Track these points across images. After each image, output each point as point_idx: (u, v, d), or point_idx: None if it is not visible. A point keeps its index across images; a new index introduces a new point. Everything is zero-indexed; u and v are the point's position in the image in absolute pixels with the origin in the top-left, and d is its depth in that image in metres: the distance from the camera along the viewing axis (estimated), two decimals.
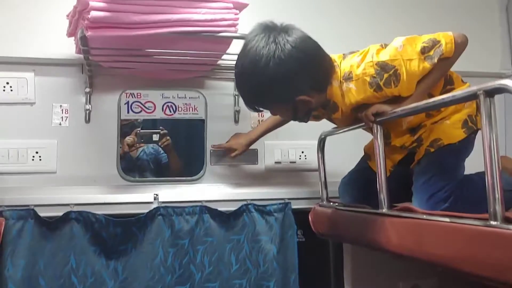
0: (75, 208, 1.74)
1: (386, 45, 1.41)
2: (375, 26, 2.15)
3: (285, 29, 1.35)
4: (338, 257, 2.02)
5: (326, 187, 1.75)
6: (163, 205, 1.80)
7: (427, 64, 1.33)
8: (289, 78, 1.33)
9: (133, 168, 1.95)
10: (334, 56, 1.47)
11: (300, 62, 1.33)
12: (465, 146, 1.43)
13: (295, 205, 1.94)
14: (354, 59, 1.42)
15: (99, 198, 1.81)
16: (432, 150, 1.41)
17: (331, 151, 1.76)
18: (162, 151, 1.99)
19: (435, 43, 1.34)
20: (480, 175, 1.36)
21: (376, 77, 1.34)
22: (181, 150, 2.01)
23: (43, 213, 1.69)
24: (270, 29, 1.35)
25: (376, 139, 1.35)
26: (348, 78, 1.39)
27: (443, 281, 2.01)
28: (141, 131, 1.94)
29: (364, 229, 1.43)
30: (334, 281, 2.04)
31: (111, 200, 1.81)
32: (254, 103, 1.44)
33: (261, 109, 1.51)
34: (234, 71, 1.44)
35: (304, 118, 1.50)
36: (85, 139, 1.90)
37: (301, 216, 1.90)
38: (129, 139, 1.94)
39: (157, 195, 1.84)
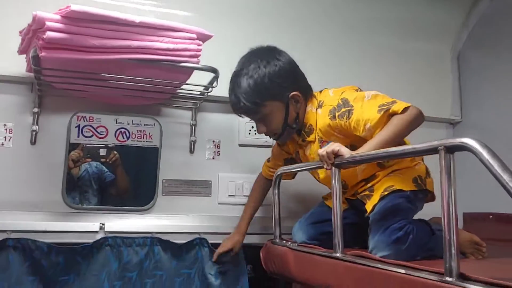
0: (13, 235, 1.63)
1: (361, 91, 1.56)
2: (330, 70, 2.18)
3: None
4: None
5: (279, 224, 1.73)
6: (112, 235, 1.72)
7: (376, 112, 1.40)
8: (285, 75, 1.57)
9: (73, 188, 1.85)
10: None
11: (291, 66, 1.61)
12: (414, 199, 1.48)
13: (247, 240, 1.91)
14: (330, 92, 1.62)
15: (40, 225, 1.71)
16: (386, 193, 1.45)
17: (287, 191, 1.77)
18: (106, 170, 1.91)
19: (393, 102, 1.41)
20: (434, 226, 1.43)
21: (336, 108, 1.52)
22: (132, 178, 1.93)
23: None
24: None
25: (334, 181, 1.35)
26: (319, 106, 1.60)
27: None
28: (87, 145, 1.85)
29: (317, 272, 1.41)
30: None
31: (53, 227, 1.72)
32: (252, 99, 1.54)
33: (254, 112, 1.59)
34: (230, 76, 1.61)
35: (290, 129, 1.62)
36: (29, 161, 1.79)
37: (252, 251, 1.87)
38: (74, 154, 1.85)
39: (103, 224, 1.76)
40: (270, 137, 1.70)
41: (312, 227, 1.64)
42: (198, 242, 1.80)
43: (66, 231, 1.74)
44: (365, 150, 1.34)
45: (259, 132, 1.67)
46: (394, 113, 1.39)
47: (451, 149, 0.96)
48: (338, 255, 1.32)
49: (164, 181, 1.92)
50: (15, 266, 1.61)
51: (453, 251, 0.93)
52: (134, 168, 1.97)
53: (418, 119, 1.39)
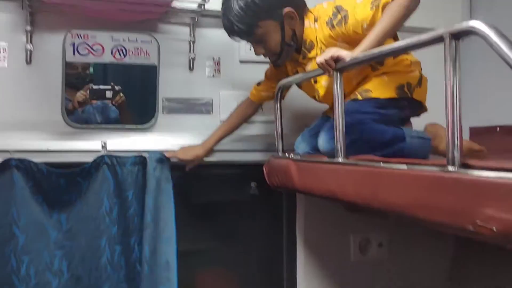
0: (16, 156, 1.63)
1: None
2: None
3: None
4: (291, 211, 2.02)
5: (282, 139, 1.72)
6: (108, 154, 1.72)
7: (369, 10, 1.39)
8: None
9: (78, 120, 1.82)
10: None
11: None
12: (389, 106, 1.49)
13: (250, 158, 1.91)
14: (324, 5, 1.58)
15: (42, 144, 1.71)
16: (360, 98, 1.49)
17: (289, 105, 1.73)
18: (111, 106, 1.87)
19: None
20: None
21: (331, 18, 1.50)
22: (132, 97, 1.90)
23: None
24: None
25: (336, 86, 1.31)
26: (315, 20, 1.57)
27: (393, 235, 2.06)
28: (93, 87, 1.82)
29: (319, 179, 1.40)
30: (286, 234, 2.05)
31: (55, 147, 1.71)
32: (245, 20, 1.52)
33: (248, 34, 1.56)
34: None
35: (288, 48, 1.59)
36: (26, 81, 1.76)
37: (255, 169, 1.87)
38: (80, 96, 1.82)
39: (105, 142, 1.75)
40: (269, 58, 1.66)
41: (315, 138, 1.61)
42: None
43: (68, 151, 1.73)
44: (363, 47, 1.29)
45: (257, 54, 1.64)
46: (386, 3, 1.35)
47: (457, 36, 0.91)
48: (339, 160, 1.30)
49: (164, 99, 1.89)
50: (20, 186, 1.63)
51: (456, 141, 0.90)
52: (133, 86, 1.93)
53: (412, 1, 1.33)
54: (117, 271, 1.71)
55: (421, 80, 1.55)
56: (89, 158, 1.72)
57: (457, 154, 0.90)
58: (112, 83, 1.84)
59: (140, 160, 1.74)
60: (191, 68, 1.94)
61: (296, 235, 2.00)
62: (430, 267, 2.04)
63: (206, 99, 1.95)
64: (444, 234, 2.05)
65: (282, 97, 1.70)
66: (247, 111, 1.86)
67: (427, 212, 0.96)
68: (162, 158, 1.75)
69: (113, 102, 1.85)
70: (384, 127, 1.46)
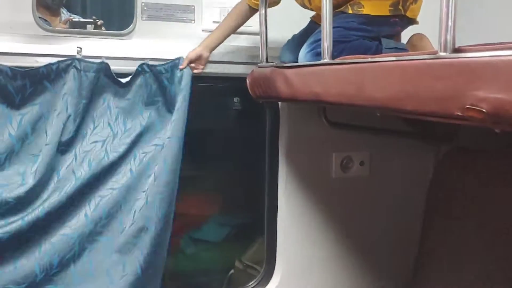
0: None
1: None
2: None
3: None
4: (274, 127, 1.98)
5: (266, 47, 1.64)
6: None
7: None
8: None
9: None
10: None
11: None
12: (379, 23, 1.48)
13: (232, 70, 1.84)
14: None
15: (11, 47, 1.60)
16: (351, 12, 1.45)
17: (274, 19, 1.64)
18: None
19: None
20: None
21: None
22: (110, 1, 1.79)
23: None
24: None
25: None
26: None
27: (374, 153, 2.05)
28: (73, 20, 1.77)
29: (303, 83, 1.36)
30: (269, 150, 2.02)
31: (26, 50, 1.61)
32: None
33: None
34: None
35: None
36: None
37: (238, 82, 1.81)
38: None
39: (80, 48, 1.66)
40: None
41: (300, 47, 1.56)
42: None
43: (40, 54, 1.63)
44: None
45: None
46: None
47: None
48: (326, 60, 1.25)
49: (143, 3, 1.78)
50: None
51: (449, 24, 0.85)
52: None
53: None
54: None
55: None
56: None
57: (449, 38, 0.85)
58: (94, 17, 1.78)
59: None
60: None
61: (278, 152, 1.98)
62: (410, 185, 2.06)
63: (187, 5, 1.84)
64: (425, 151, 2.07)
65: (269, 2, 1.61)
66: (245, 14, 1.72)
67: (415, 102, 0.93)
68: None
69: None
70: (366, 43, 1.45)
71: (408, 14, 1.50)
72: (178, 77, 1.68)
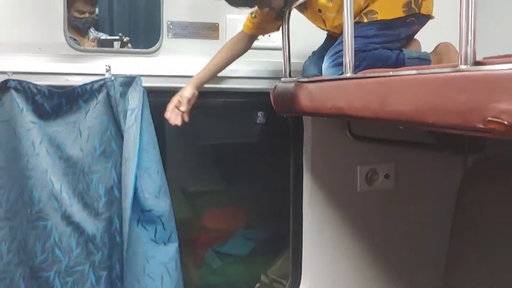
0: (14, 77, 1.60)
1: None
2: None
3: None
4: (298, 140, 1.99)
5: (289, 62, 1.67)
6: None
7: None
8: None
9: None
10: None
11: None
12: (395, 26, 1.48)
13: (256, 85, 1.86)
14: None
15: (43, 66, 1.66)
16: (366, 20, 1.46)
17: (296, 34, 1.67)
18: None
19: None
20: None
21: None
22: (136, 20, 1.85)
23: None
24: None
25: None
26: None
27: (399, 166, 2.04)
28: (101, 38, 1.84)
29: (326, 97, 1.37)
30: (294, 164, 2.03)
31: (56, 69, 1.67)
32: None
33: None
34: None
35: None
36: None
37: (262, 97, 1.83)
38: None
39: (109, 66, 1.71)
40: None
41: (323, 60, 1.57)
42: None
43: (71, 73, 1.70)
44: None
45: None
46: None
47: None
48: (348, 75, 1.26)
49: (169, 22, 1.84)
50: (19, 109, 1.60)
51: (469, 37, 0.86)
52: (138, 9, 1.88)
53: None
54: None
55: None
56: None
57: (470, 51, 0.86)
58: (120, 34, 1.85)
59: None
60: None
61: (302, 165, 1.99)
62: (436, 197, 2.03)
63: (212, 23, 1.88)
64: (451, 163, 2.05)
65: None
66: (242, 47, 1.73)
67: (436, 115, 0.93)
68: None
69: None
70: (387, 53, 1.45)
71: (423, 11, 1.50)
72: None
